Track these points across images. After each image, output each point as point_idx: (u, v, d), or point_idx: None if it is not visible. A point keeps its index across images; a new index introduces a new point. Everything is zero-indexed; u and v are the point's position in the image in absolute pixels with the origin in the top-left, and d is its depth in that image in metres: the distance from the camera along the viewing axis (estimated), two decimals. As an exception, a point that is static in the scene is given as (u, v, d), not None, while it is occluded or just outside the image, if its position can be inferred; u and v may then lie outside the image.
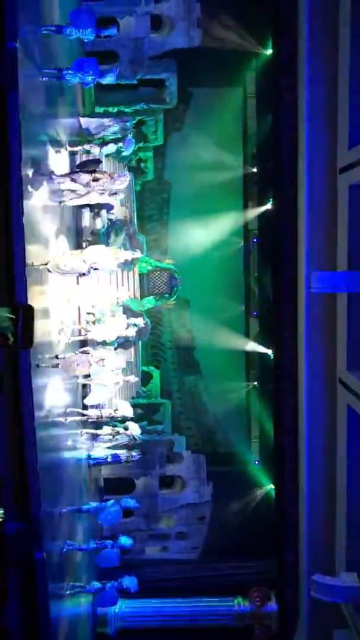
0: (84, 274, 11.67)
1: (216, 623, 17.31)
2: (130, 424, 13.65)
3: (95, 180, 11.98)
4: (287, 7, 15.11)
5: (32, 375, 9.26)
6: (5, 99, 8.41)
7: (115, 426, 14.07)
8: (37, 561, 9.37)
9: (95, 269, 12.26)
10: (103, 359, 12.25)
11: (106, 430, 13.98)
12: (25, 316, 7.36)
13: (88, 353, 11.86)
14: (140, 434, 14.17)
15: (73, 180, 11.21)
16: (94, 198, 11.89)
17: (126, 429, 13.92)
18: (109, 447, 14.33)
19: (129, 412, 13.31)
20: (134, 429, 13.85)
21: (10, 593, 8.95)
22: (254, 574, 17.93)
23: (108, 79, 11.54)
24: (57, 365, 10.65)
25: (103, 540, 12.90)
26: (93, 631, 16.44)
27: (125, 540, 12.31)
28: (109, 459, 14.42)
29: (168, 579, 17.93)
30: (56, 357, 10.72)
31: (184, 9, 17.83)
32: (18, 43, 8.52)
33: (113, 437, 13.99)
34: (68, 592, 11.88)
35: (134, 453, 15.97)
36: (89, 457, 13.95)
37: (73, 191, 11.33)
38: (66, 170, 12.18)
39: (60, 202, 11.50)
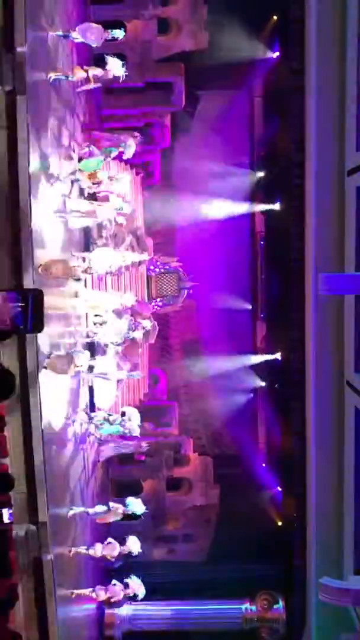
0: (78, 279, 11.67)
1: (223, 626, 17.28)
2: (133, 423, 13.47)
3: (96, 183, 11.96)
4: (296, 10, 15.11)
5: (39, 376, 9.30)
6: (15, 104, 8.45)
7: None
8: (45, 563, 9.38)
9: (90, 272, 12.32)
10: (94, 358, 12.21)
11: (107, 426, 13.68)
12: (34, 300, 7.39)
13: (81, 352, 11.71)
14: (139, 432, 13.89)
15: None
16: (100, 214, 11.91)
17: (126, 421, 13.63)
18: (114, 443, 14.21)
19: (135, 418, 13.24)
20: (134, 427, 13.64)
21: (19, 595, 8.97)
22: (262, 576, 17.89)
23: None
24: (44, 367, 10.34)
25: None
26: (100, 634, 16.46)
27: (134, 546, 12.23)
28: (117, 450, 14.30)
29: (175, 581, 17.92)
30: (48, 357, 10.55)
31: (191, 11, 17.84)
32: (27, 47, 8.57)
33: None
34: (75, 595, 11.88)
35: (143, 444, 15.95)
36: (98, 443, 13.74)
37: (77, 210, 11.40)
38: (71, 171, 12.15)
39: (68, 224, 11.52)
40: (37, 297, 7.52)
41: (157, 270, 17.85)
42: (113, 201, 13.13)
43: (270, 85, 19.99)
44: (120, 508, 12.16)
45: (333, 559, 15.11)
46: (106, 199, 13.20)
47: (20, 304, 7.24)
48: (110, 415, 13.30)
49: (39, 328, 7.64)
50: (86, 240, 14.11)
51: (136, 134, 14.80)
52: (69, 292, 11.98)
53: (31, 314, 7.31)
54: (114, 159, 13.97)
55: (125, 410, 13.44)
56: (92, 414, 13.35)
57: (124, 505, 12.21)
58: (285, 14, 16.06)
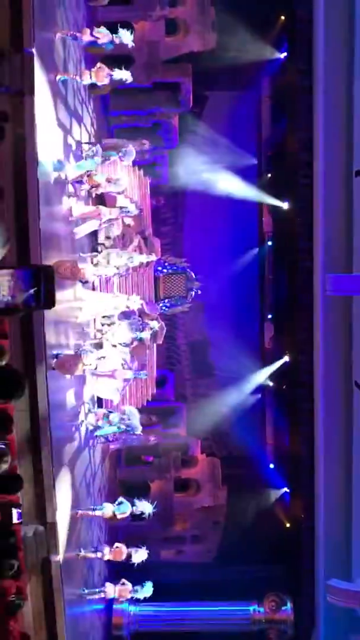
0: (86, 281, 11.72)
1: (231, 627, 17.24)
2: (133, 421, 13.34)
3: (95, 186, 11.97)
4: (303, 10, 15.09)
5: (47, 376, 9.32)
6: (23, 104, 8.48)
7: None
8: (53, 564, 9.40)
9: (98, 274, 12.38)
10: (103, 357, 12.20)
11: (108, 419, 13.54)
12: (45, 277, 7.37)
13: (90, 351, 11.70)
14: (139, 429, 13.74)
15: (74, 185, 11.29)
16: (104, 215, 11.92)
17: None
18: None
19: (135, 417, 13.18)
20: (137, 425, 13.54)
21: (27, 596, 8.98)
22: (269, 578, 17.84)
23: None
24: (52, 368, 10.17)
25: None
26: (108, 634, 16.46)
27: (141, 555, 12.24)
28: (125, 442, 14.21)
29: (183, 582, 17.89)
30: (56, 357, 10.51)
31: (198, 12, 17.81)
32: (34, 48, 8.60)
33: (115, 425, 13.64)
34: (83, 595, 11.91)
35: (151, 438, 15.93)
36: (107, 439, 13.69)
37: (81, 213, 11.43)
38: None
39: (74, 231, 11.51)
40: (48, 273, 7.48)
41: (164, 271, 17.82)
42: (120, 202, 13.14)
43: (278, 86, 19.95)
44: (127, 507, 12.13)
45: (341, 560, 15.07)
46: (114, 200, 13.21)
47: (31, 286, 7.16)
48: (110, 412, 13.25)
49: (51, 304, 7.61)
50: (94, 242, 14.13)
51: (145, 141, 14.80)
52: (76, 294, 11.99)
53: (43, 290, 7.27)
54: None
55: (124, 409, 13.40)
56: (94, 410, 13.25)
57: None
58: (293, 14, 16.04)
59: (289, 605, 17.29)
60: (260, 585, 17.67)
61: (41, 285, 7.24)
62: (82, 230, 12.00)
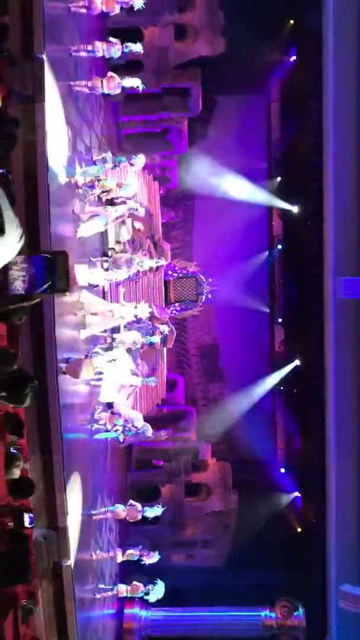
0: (96, 285, 11.75)
1: (242, 632, 17.17)
2: (138, 423, 13.24)
3: (106, 191, 11.99)
4: (312, 14, 15.11)
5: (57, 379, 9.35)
6: (33, 111, 8.53)
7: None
8: (64, 568, 9.40)
9: (109, 279, 12.42)
10: (114, 359, 12.20)
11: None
12: (61, 261, 7.38)
13: (100, 354, 11.67)
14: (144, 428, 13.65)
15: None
16: (110, 216, 11.94)
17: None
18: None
19: (139, 422, 13.12)
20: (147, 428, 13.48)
21: (39, 601, 8.98)
22: (281, 583, 17.76)
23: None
24: (63, 372, 10.16)
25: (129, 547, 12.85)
26: (120, 639, 16.45)
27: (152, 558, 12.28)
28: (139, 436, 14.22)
29: (194, 586, 17.85)
30: (66, 361, 10.48)
31: (207, 17, 17.86)
32: (45, 55, 8.66)
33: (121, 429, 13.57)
34: (95, 599, 11.91)
35: (162, 433, 15.93)
36: (118, 440, 13.65)
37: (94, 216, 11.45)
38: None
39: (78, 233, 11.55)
40: (62, 258, 7.49)
41: (175, 275, 17.84)
42: (130, 206, 13.17)
43: (288, 89, 19.96)
44: (138, 506, 12.15)
45: (354, 565, 14.97)
46: (123, 204, 13.24)
47: (45, 279, 7.17)
48: (114, 413, 13.19)
49: (67, 288, 7.63)
50: (104, 247, 14.17)
51: (155, 156, 14.72)
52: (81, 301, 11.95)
53: (58, 275, 7.28)
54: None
55: (128, 413, 13.34)
56: (101, 414, 13.20)
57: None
58: (302, 18, 16.05)
59: (301, 610, 17.20)
60: (272, 591, 17.59)
61: (55, 274, 7.25)
62: (84, 231, 11.97)
